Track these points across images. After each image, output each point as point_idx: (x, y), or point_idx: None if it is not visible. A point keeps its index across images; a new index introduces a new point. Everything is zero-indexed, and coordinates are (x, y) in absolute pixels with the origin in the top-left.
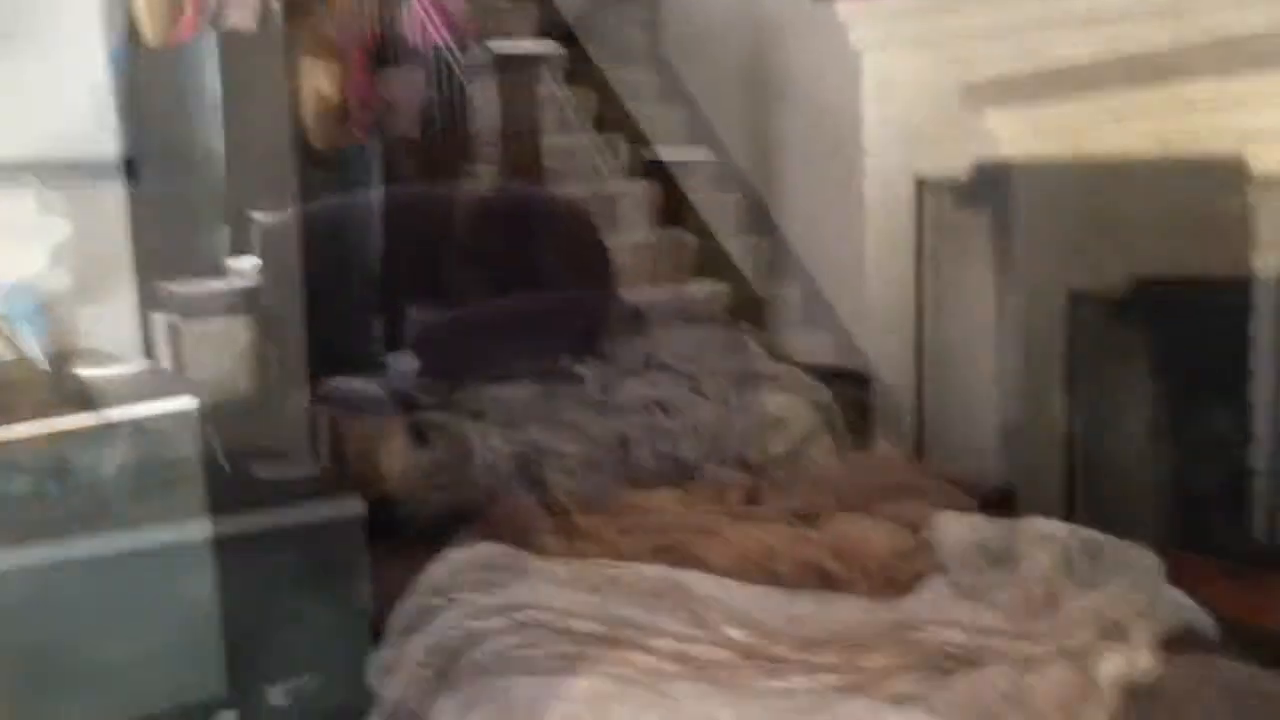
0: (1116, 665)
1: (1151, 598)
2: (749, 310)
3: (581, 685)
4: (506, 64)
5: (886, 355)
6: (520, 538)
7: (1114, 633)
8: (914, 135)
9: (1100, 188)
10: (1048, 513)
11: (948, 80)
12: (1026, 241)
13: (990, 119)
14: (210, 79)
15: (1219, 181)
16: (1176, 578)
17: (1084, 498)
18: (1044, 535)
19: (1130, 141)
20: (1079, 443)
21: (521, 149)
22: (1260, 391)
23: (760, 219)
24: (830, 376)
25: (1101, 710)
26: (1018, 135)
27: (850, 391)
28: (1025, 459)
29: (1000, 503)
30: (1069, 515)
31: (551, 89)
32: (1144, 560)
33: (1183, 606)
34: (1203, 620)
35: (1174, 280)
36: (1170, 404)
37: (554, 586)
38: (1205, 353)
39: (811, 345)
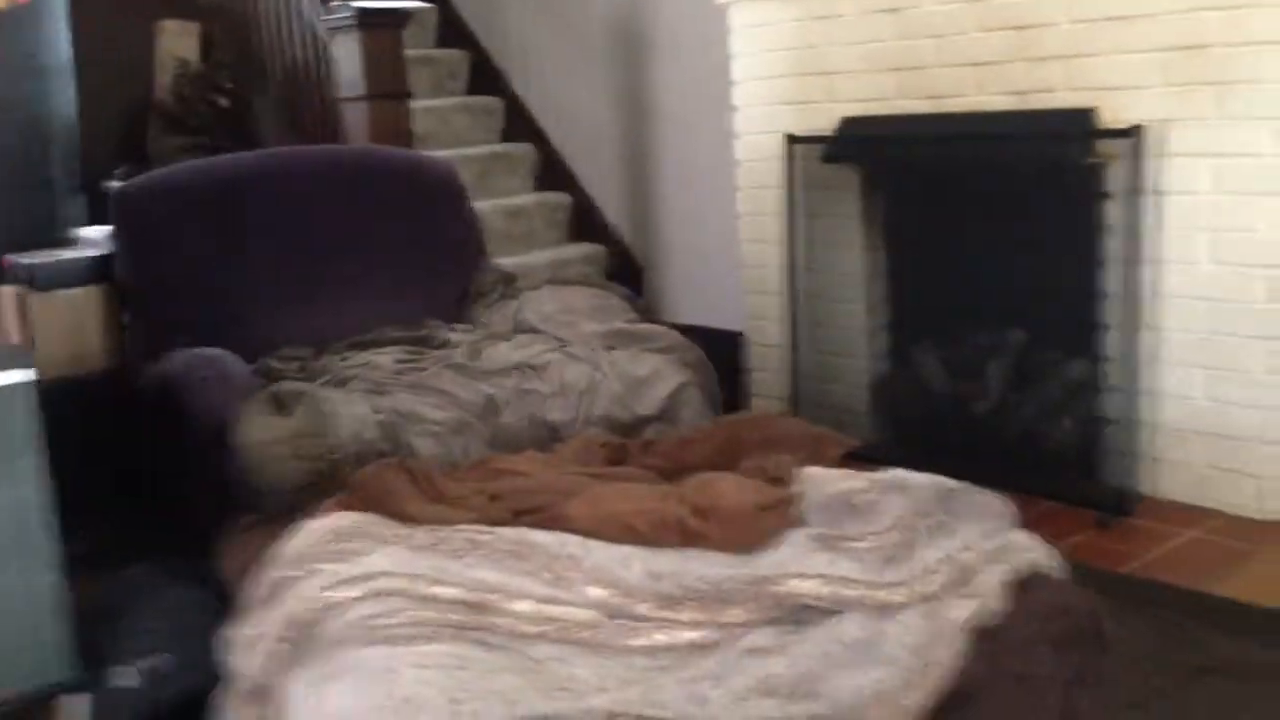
0: (966, 609)
1: (1003, 542)
2: (626, 271)
3: (440, 651)
4: (371, 22)
5: (761, 312)
6: (383, 505)
7: (965, 577)
8: (783, 91)
9: (957, 141)
10: (916, 463)
11: (814, 36)
12: (888, 195)
13: (856, 75)
14: (59, 41)
15: (1070, 133)
16: (1033, 524)
17: (948, 446)
18: (902, 485)
19: (989, 96)
20: (943, 392)
21: (387, 110)
22: (1112, 344)
23: (637, 180)
24: (704, 335)
25: (950, 652)
26: (884, 91)
27: (724, 349)
28: (894, 410)
29: (868, 455)
30: (935, 464)
31: (421, 49)
32: (996, 506)
33: (1034, 550)
34: (1054, 563)
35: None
36: (1027, 354)
37: (415, 553)
38: (1059, 301)
39: (688, 304)
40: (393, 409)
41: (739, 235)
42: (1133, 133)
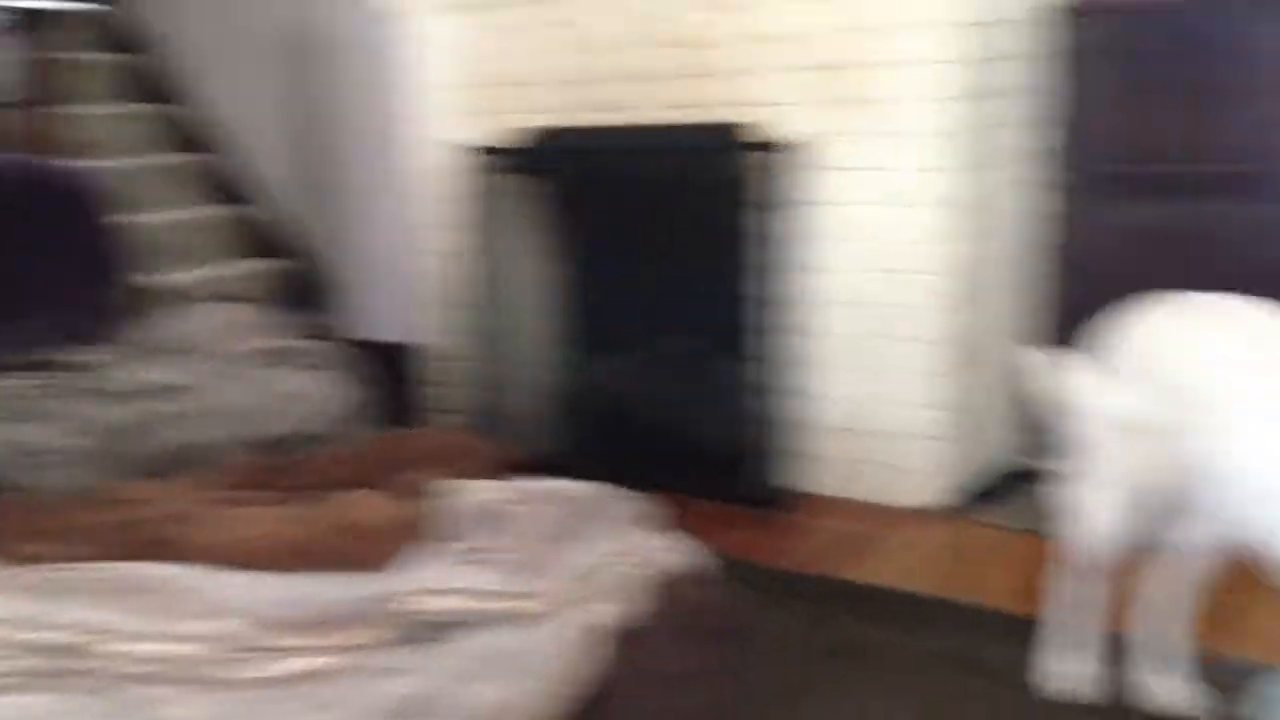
0: (608, 613)
1: (648, 545)
2: (311, 286)
3: (33, 702)
4: (17, 23)
5: (447, 325)
6: None
7: (609, 582)
8: (464, 102)
9: (628, 154)
10: (593, 471)
11: (494, 47)
12: (566, 207)
13: (537, 87)
14: None
15: (725, 147)
16: (696, 524)
17: (623, 453)
18: (550, 493)
19: (661, 111)
20: (619, 400)
21: (35, 117)
22: (773, 348)
23: (323, 192)
24: (379, 349)
25: (589, 657)
26: (564, 103)
27: (400, 363)
28: (573, 419)
29: (547, 465)
30: (610, 471)
31: (93, 53)
32: (643, 510)
33: (679, 551)
34: (699, 562)
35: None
36: (696, 361)
37: (16, 596)
38: (725, 309)
39: (378, 318)
40: (4, 439)
41: (423, 248)
42: (786, 147)
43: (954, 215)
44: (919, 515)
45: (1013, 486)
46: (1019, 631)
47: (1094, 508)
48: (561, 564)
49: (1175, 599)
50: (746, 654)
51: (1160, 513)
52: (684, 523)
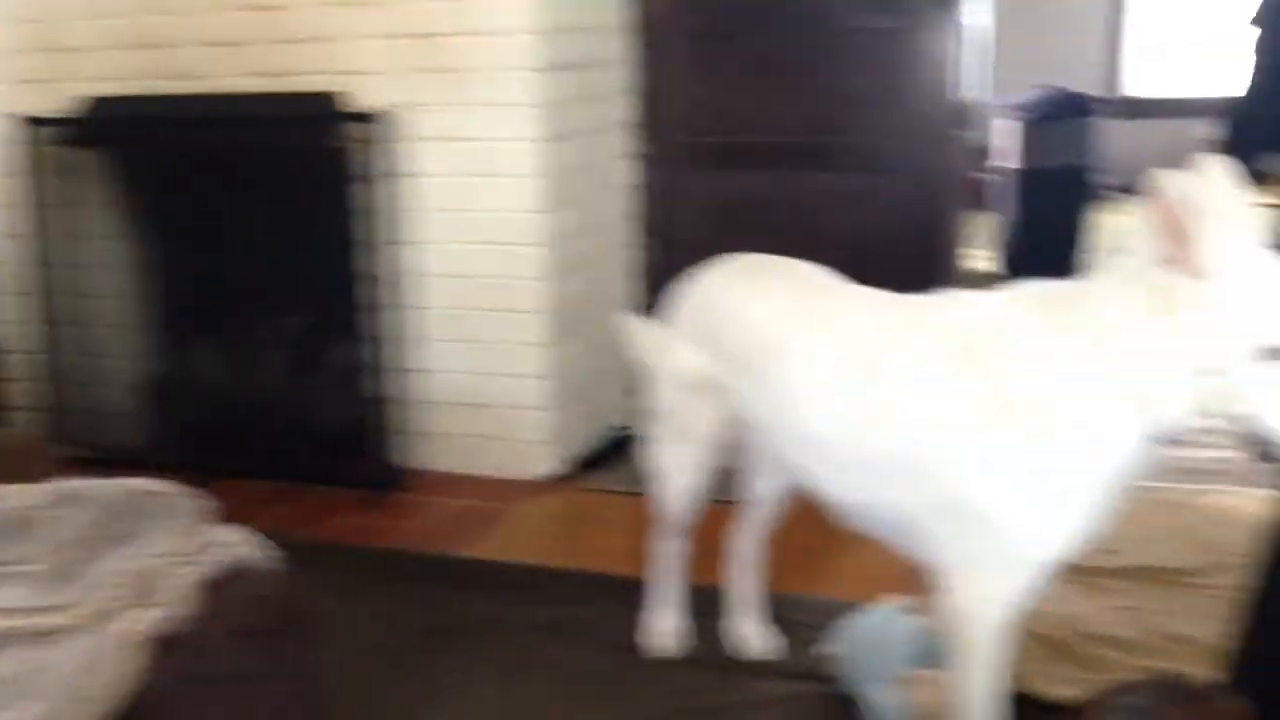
0: (146, 619)
1: (201, 541)
2: None
3: None
4: None
5: (7, 315)
6: None
7: (150, 585)
8: (10, 68)
9: (210, 124)
10: (172, 466)
11: (45, 7)
12: (141, 183)
13: (99, 52)
14: None
15: (315, 117)
16: (300, 510)
17: (223, 442)
18: (85, 494)
19: (243, 78)
20: (217, 386)
21: None
22: (380, 325)
23: None
24: None
25: (123, 670)
26: (132, 70)
27: None
28: (167, 410)
29: (134, 460)
30: (207, 462)
31: None
32: (195, 505)
33: (237, 544)
34: (261, 554)
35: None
36: (301, 341)
37: None
38: (328, 286)
39: None
40: None
41: None
42: (375, 117)
43: (549, 186)
44: (534, 486)
45: (621, 451)
46: (625, 594)
47: (671, 466)
48: (100, 570)
49: (753, 548)
50: (326, 646)
51: (733, 466)
52: (293, 510)
